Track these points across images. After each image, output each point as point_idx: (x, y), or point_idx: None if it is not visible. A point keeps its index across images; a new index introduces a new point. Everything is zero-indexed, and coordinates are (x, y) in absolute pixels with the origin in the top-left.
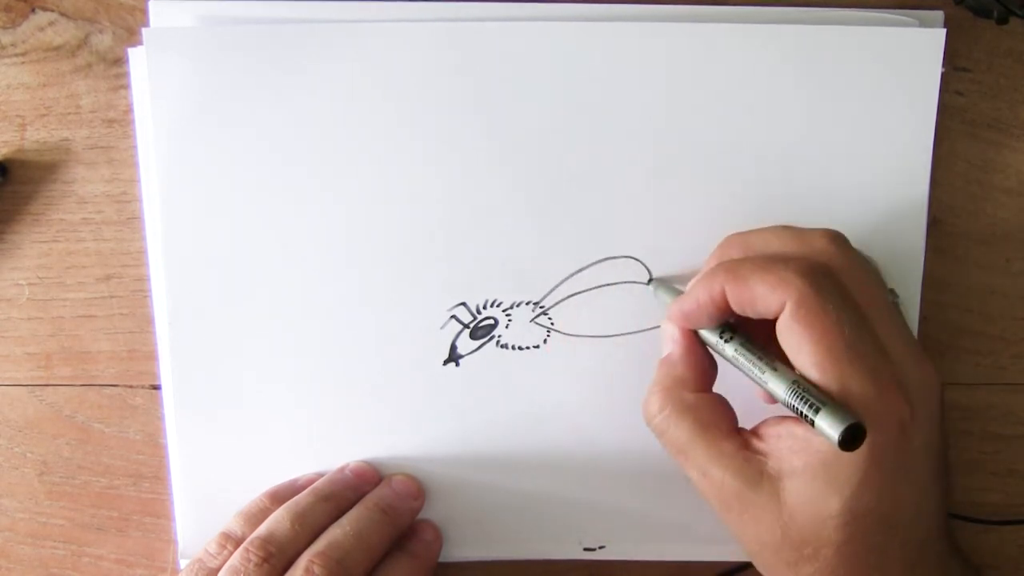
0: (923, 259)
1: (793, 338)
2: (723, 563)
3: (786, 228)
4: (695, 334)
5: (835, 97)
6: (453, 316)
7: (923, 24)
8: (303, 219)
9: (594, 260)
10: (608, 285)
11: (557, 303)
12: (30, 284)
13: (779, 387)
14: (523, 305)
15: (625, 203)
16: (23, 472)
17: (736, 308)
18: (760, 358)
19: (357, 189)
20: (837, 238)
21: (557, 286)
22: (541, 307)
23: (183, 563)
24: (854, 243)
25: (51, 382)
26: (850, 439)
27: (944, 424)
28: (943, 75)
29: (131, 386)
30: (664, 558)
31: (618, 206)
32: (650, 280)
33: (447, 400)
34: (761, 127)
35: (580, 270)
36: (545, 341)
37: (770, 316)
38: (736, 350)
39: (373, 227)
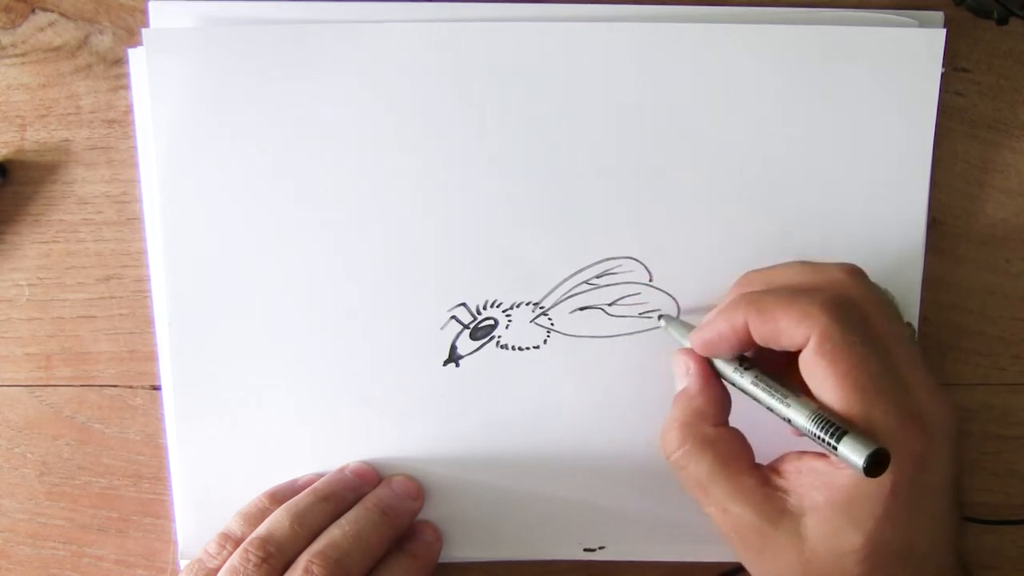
0: (923, 259)
1: (817, 371)
2: (723, 563)
3: (803, 263)
4: (711, 366)
5: (835, 97)
6: (453, 316)
7: (923, 25)
8: (303, 219)
9: (594, 260)
10: (608, 285)
11: (557, 303)
12: (30, 284)
13: (800, 416)
14: (523, 305)
15: (625, 204)
16: (23, 472)
17: (759, 340)
18: (780, 386)
19: (357, 189)
20: (855, 271)
21: (557, 286)
22: (541, 307)
23: (183, 563)
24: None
25: (51, 382)
26: (875, 464)
27: (960, 460)
28: (943, 76)
29: (131, 386)
30: (664, 558)
31: (618, 207)
32: (660, 316)
33: (447, 400)
34: (761, 127)
35: (580, 270)
36: (545, 341)
37: (793, 349)
38: (754, 380)
39: (373, 227)
